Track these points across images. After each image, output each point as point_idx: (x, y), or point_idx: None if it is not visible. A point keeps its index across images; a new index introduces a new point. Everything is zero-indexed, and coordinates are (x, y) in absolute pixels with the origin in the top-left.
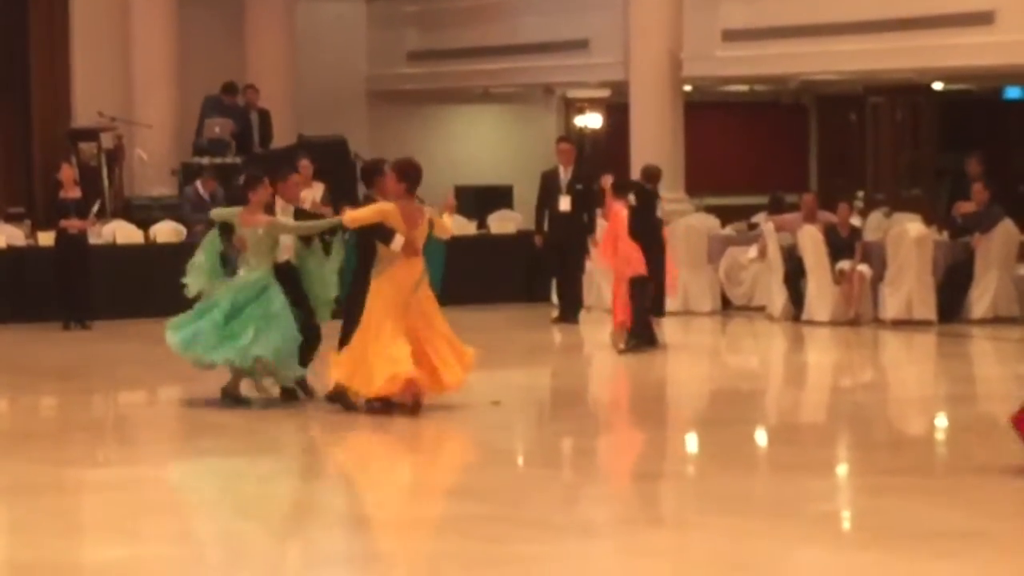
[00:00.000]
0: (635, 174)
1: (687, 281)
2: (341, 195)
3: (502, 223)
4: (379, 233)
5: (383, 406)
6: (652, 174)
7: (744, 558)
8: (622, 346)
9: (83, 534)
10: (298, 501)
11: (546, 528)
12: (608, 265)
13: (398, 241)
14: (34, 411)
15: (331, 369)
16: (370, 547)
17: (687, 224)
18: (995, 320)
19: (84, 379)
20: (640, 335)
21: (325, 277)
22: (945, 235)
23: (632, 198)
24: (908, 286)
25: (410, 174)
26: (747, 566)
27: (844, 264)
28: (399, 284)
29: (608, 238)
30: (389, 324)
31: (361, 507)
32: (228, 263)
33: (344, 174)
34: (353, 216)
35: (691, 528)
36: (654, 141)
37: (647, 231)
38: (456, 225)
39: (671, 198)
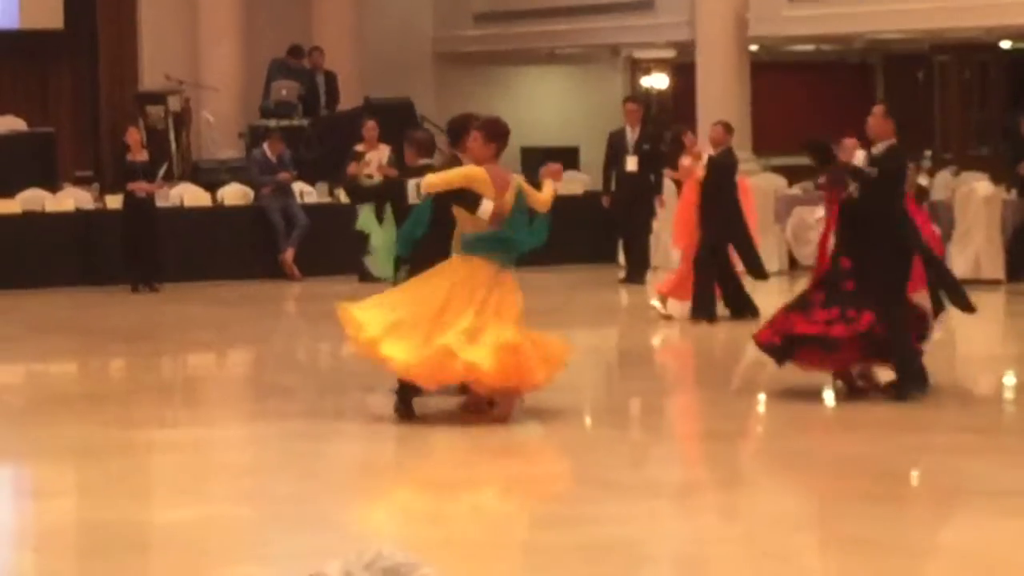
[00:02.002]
0: (701, 135)
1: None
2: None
3: (569, 184)
4: (464, 198)
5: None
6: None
7: (811, 517)
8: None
9: (152, 495)
10: (365, 462)
11: (613, 488)
12: (681, 246)
13: (486, 207)
14: (103, 373)
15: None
16: (435, 507)
17: (754, 184)
18: None
19: (152, 342)
20: (703, 310)
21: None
22: (1013, 194)
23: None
24: (976, 245)
25: (501, 134)
26: (813, 525)
27: None
28: (475, 269)
29: (683, 219)
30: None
31: (427, 468)
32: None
33: None
34: (433, 180)
35: (758, 488)
36: (720, 101)
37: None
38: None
39: (739, 158)
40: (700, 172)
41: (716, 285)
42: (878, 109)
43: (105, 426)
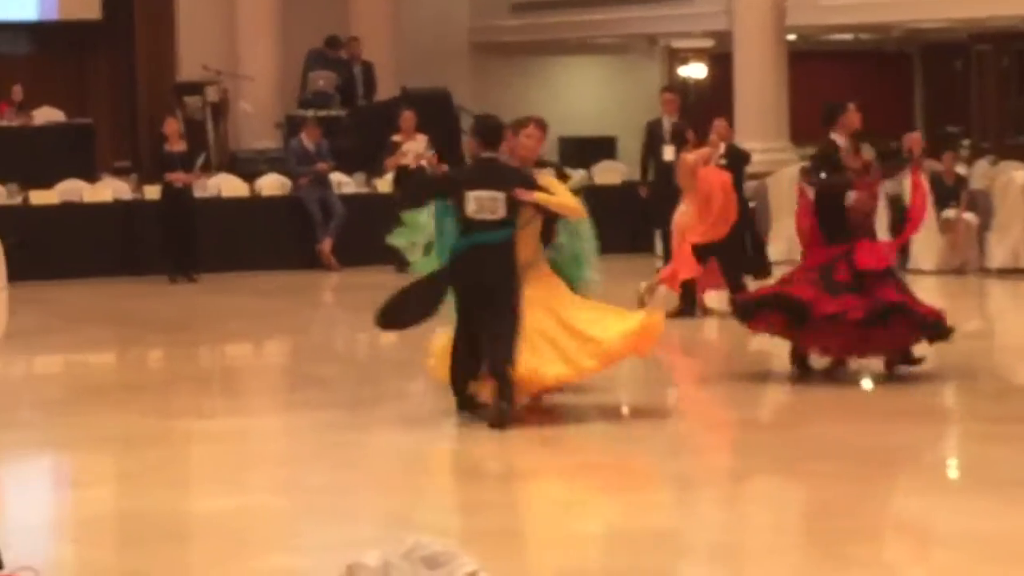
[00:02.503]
0: (739, 125)
1: (791, 231)
2: (443, 147)
3: (606, 174)
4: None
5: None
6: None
7: (849, 506)
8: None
9: (190, 485)
10: (402, 453)
11: (653, 478)
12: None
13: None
14: (142, 363)
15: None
16: (473, 497)
17: (791, 174)
18: None
19: (190, 332)
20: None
21: None
22: None
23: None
24: (1015, 235)
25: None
26: (852, 514)
27: (950, 213)
28: None
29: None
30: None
31: (464, 458)
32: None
33: (447, 126)
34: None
35: (796, 476)
36: (758, 91)
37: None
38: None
39: (776, 147)
40: (714, 162)
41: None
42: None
43: (143, 416)
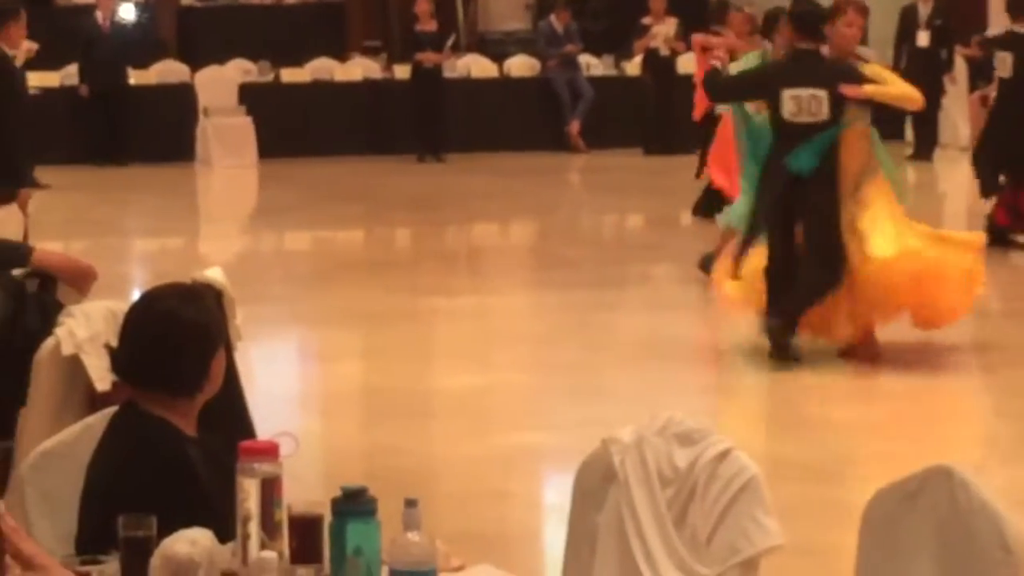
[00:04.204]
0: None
1: None
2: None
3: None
4: None
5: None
6: None
7: None
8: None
9: (436, 361)
10: (648, 334)
11: (900, 363)
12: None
13: None
14: (389, 241)
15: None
16: (722, 379)
17: None
18: None
19: (438, 210)
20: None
21: None
22: None
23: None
24: None
25: None
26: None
27: None
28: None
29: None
30: None
31: (710, 339)
32: None
33: (697, 10)
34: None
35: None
36: None
37: None
38: None
39: None
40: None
41: None
42: None
43: (390, 293)
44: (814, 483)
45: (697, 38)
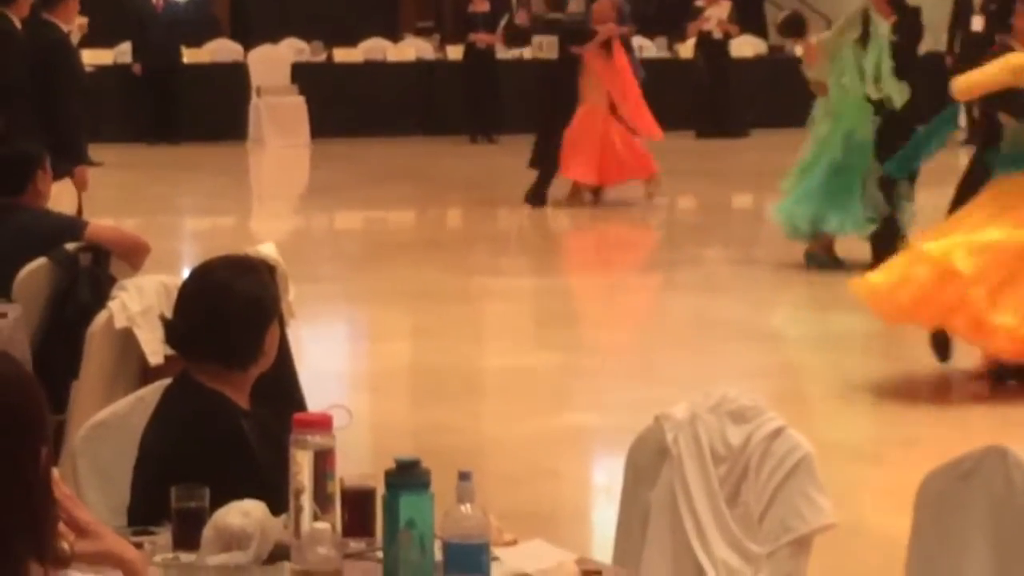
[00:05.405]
0: None
1: None
2: (747, 14)
3: None
4: (1012, 103)
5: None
6: None
7: None
8: None
9: (486, 341)
10: (697, 316)
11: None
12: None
13: None
14: (440, 221)
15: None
16: (773, 362)
17: None
18: None
19: (490, 191)
20: None
21: None
22: None
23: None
24: None
25: None
26: None
27: None
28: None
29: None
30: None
31: (760, 322)
32: None
33: None
34: (969, 83)
35: None
36: None
37: None
38: None
39: None
40: None
41: None
42: None
43: (441, 272)
44: (866, 464)
45: None
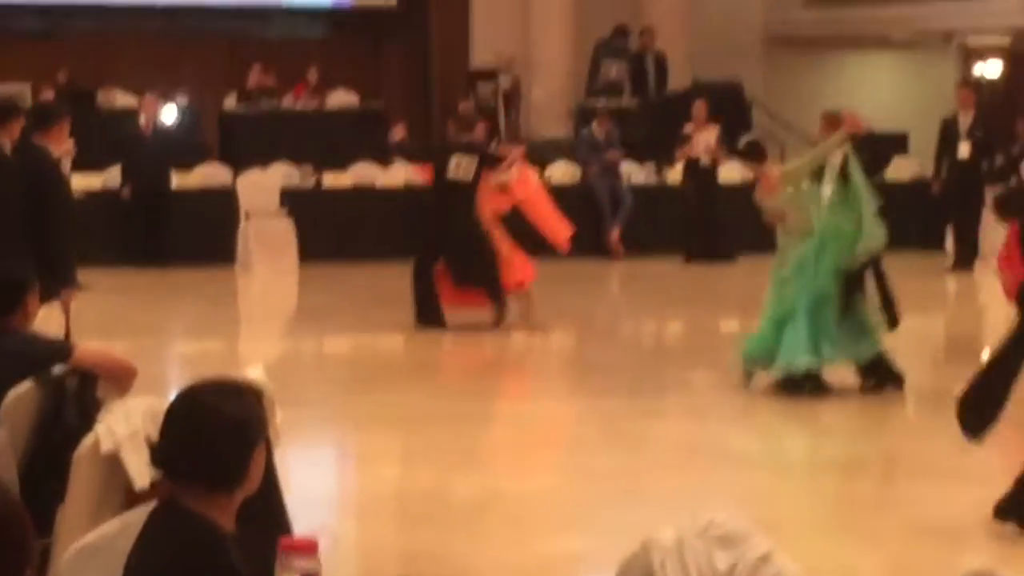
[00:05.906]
0: None
1: None
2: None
3: (897, 170)
4: None
5: None
6: None
7: None
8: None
9: (474, 466)
10: (687, 440)
11: (937, 473)
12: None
13: None
14: (429, 345)
15: None
16: (763, 486)
17: None
18: None
19: (477, 316)
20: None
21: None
22: None
23: None
24: None
25: None
26: None
27: None
28: None
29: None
30: None
31: (752, 447)
32: None
33: (738, 119)
34: None
35: None
36: None
37: None
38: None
39: None
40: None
41: None
42: None
43: (430, 397)
44: None
45: None
